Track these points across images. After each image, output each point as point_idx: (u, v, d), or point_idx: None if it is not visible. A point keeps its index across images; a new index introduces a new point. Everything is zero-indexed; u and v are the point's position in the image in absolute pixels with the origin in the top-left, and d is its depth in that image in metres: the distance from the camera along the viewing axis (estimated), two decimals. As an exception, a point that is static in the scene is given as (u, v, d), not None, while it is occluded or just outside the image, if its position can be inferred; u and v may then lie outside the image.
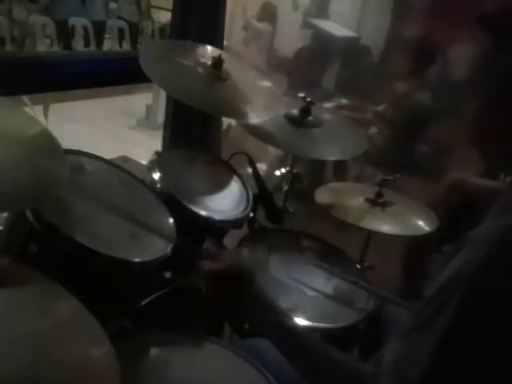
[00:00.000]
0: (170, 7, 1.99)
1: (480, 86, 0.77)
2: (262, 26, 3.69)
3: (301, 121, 1.58)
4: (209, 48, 1.56)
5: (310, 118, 1.59)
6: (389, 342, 0.70)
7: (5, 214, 1.06)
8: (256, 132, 1.52)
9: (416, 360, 0.63)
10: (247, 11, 3.70)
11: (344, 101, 2.86)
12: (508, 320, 0.61)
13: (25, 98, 2.82)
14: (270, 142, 1.58)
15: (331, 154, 1.62)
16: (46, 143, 0.98)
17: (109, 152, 1.45)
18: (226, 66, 1.44)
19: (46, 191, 0.89)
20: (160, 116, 4.05)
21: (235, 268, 0.91)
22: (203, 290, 0.93)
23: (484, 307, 0.61)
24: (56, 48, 5.44)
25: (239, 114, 1.43)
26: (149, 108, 5.05)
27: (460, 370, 0.62)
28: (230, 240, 1.44)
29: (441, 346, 0.62)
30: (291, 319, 0.83)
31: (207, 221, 1.28)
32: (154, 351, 0.96)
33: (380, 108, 2.81)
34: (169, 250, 1.11)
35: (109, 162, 1.27)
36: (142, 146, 4.08)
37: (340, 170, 2.95)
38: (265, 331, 0.87)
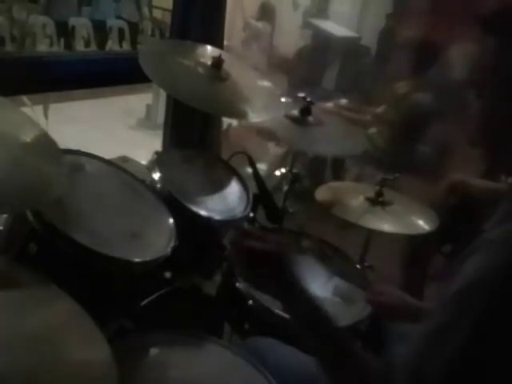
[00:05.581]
0: (170, 7, 1.99)
1: (481, 86, 0.77)
2: (261, 25, 3.69)
3: (301, 120, 1.58)
4: (209, 48, 1.56)
5: (310, 117, 1.59)
6: (400, 345, 0.70)
7: (5, 215, 1.06)
8: (258, 130, 1.52)
9: (435, 361, 0.64)
10: (246, 11, 3.70)
11: (344, 101, 2.86)
12: None
13: (25, 98, 2.81)
14: (272, 139, 1.58)
15: (331, 150, 1.61)
16: (44, 145, 0.98)
17: (109, 152, 1.45)
18: (225, 65, 1.44)
19: (43, 193, 0.89)
20: (160, 116, 4.04)
21: (278, 251, 0.91)
22: (203, 289, 0.93)
23: (508, 311, 0.62)
24: (56, 48, 5.43)
25: (239, 114, 1.43)
26: (149, 108, 5.05)
27: (482, 371, 0.63)
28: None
29: (464, 348, 0.63)
30: (324, 310, 0.83)
31: (207, 221, 1.28)
32: (153, 351, 0.96)
33: (380, 109, 2.81)
34: (169, 250, 1.11)
35: (109, 162, 1.27)
36: (142, 146, 4.09)
37: (338, 170, 2.96)
38: (295, 318, 0.86)
